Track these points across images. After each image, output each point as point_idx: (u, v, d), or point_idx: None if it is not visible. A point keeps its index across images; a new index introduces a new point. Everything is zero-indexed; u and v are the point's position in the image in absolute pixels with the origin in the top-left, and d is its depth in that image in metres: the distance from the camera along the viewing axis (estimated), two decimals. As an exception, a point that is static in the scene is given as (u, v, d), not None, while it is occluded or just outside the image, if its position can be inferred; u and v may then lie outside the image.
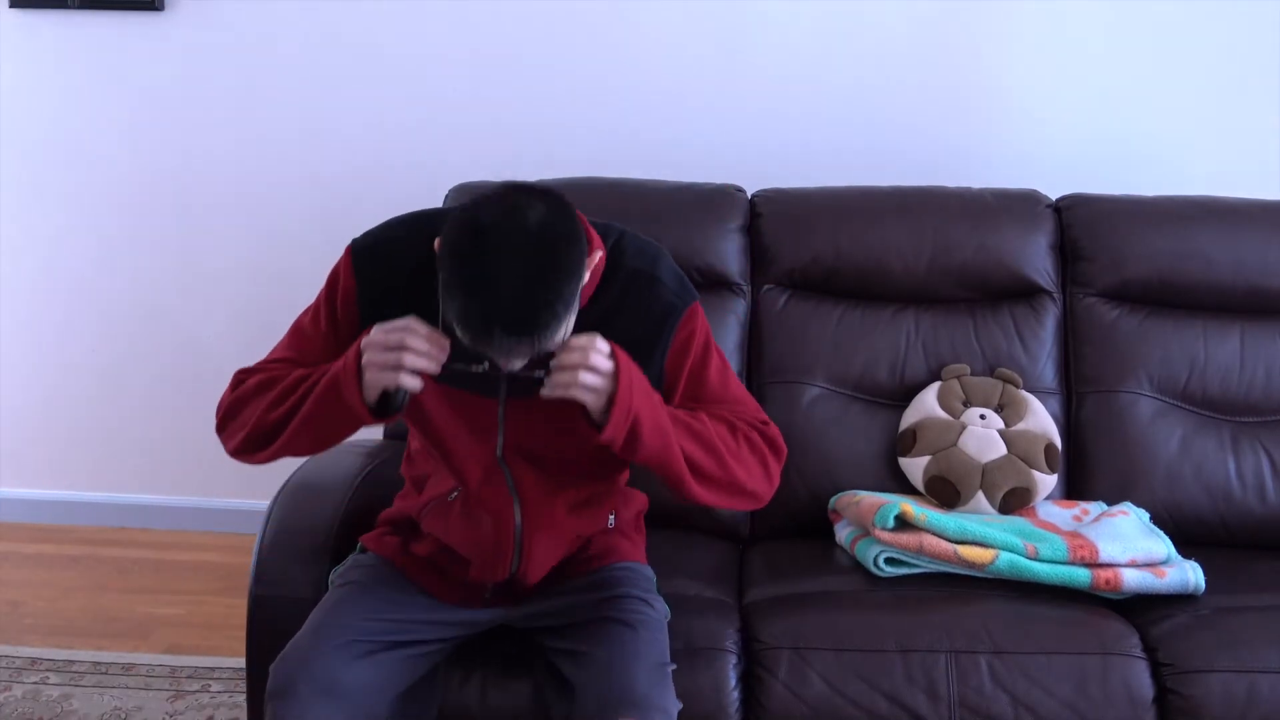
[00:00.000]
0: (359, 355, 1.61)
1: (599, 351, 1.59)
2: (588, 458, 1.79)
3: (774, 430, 1.83)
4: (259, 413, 1.71)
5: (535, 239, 1.51)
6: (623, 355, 1.62)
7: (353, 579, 1.88)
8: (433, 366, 1.59)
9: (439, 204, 2.51)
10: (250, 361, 1.81)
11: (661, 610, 1.89)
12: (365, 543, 1.95)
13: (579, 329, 1.62)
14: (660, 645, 1.82)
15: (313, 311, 1.81)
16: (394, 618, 1.82)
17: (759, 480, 1.79)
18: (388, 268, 1.74)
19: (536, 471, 1.81)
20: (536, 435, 1.78)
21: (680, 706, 1.75)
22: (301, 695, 1.68)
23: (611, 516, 1.97)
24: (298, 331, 1.81)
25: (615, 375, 1.60)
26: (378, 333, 1.60)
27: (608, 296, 1.74)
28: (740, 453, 1.76)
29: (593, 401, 1.60)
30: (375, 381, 1.60)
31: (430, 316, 1.62)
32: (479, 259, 1.50)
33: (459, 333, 1.54)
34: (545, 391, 1.59)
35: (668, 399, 1.75)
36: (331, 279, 1.78)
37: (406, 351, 1.57)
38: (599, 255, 1.69)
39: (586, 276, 1.60)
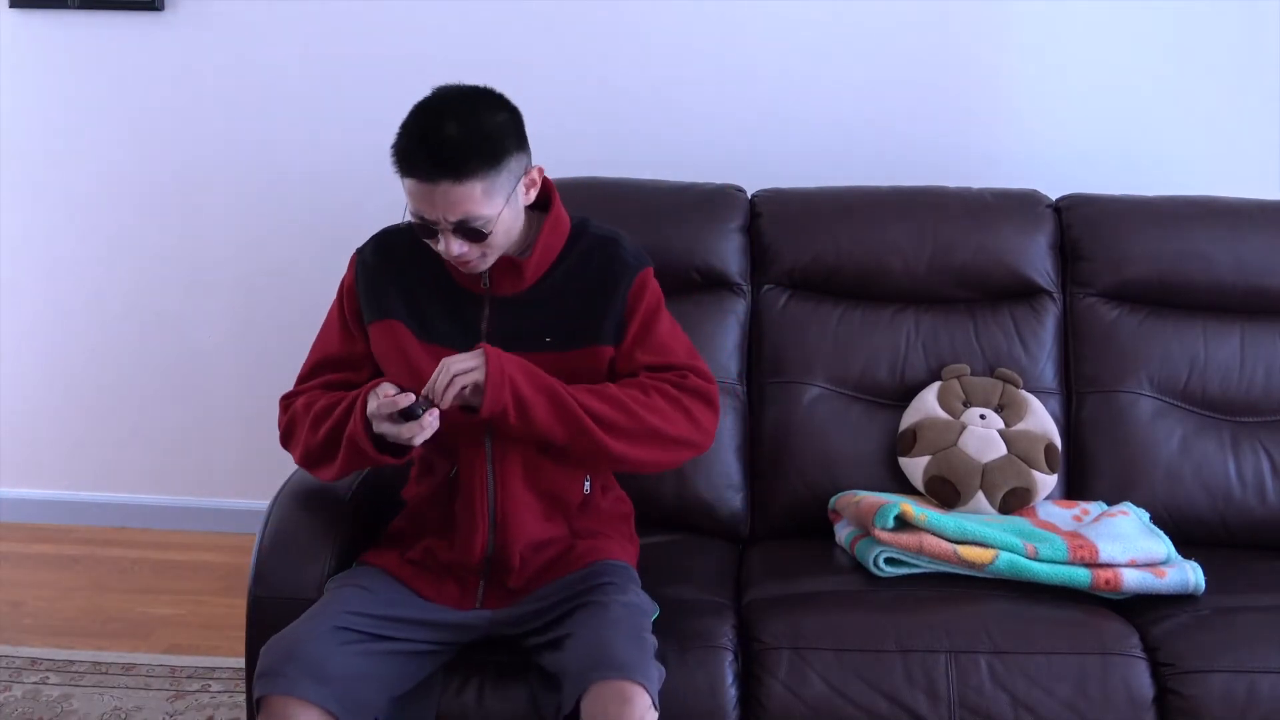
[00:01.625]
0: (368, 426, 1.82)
1: (451, 359, 1.78)
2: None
3: (696, 381, 1.92)
4: (303, 444, 1.93)
5: (474, 104, 1.81)
6: (487, 346, 1.81)
7: (348, 581, 1.92)
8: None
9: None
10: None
11: (645, 601, 1.90)
12: (363, 559, 2.00)
13: (554, 278, 1.92)
14: (639, 624, 1.82)
15: (328, 314, 2.03)
16: (386, 614, 1.85)
17: (683, 426, 1.88)
18: (385, 247, 1.99)
19: None
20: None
21: (664, 673, 1.76)
22: (290, 676, 1.70)
23: (587, 483, 2.00)
24: (319, 338, 2.03)
25: (484, 358, 1.78)
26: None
27: (576, 253, 1.96)
28: (653, 403, 1.87)
29: (477, 385, 1.77)
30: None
31: (418, 282, 1.92)
32: (428, 106, 1.80)
33: (398, 166, 1.77)
34: (443, 405, 1.77)
35: (622, 336, 1.92)
36: (340, 285, 2.01)
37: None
38: (538, 171, 1.89)
39: (525, 192, 1.87)
